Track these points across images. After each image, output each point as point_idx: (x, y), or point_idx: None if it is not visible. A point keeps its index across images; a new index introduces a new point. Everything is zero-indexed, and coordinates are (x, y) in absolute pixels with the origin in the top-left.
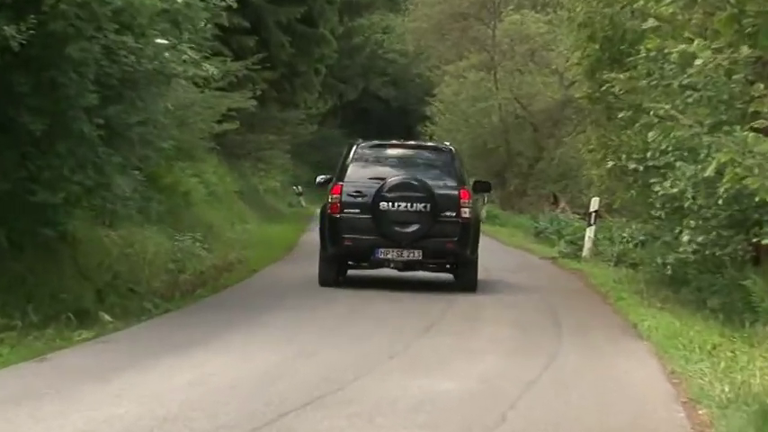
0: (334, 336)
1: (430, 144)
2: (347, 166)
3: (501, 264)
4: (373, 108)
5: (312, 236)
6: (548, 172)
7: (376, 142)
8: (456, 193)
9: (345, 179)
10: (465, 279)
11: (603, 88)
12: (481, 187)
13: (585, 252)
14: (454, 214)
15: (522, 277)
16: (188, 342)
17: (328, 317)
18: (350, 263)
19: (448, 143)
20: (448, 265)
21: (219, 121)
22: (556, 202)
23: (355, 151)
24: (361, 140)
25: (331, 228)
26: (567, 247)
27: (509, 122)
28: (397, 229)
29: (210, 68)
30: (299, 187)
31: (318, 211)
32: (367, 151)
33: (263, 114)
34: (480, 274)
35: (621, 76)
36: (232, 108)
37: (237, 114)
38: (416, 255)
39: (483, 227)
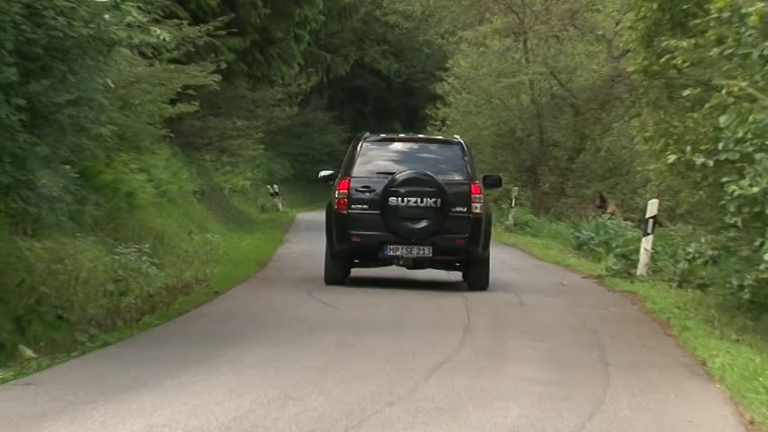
0: (321, 376)
1: (439, 137)
2: (354, 161)
3: (533, 284)
4: (369, 85)
5: (293, 248)
6: (592, 167)
7: (383, 136)
8: (467, 187)
9: (353, 174)
10: (476, 278)
11: (663, 59)
12: (491, 182)
13: (641, 269)
14: (465, 209)
15: (559, 301)
16: (132, 384)
17: (313, 351)
18: (357, 261)
19: (458, 136)
20: (458, 263)
21: (173, 102)
22: (603, 205)
23: (362, 145)
24: (367, 134)
25: (338, 224)
26: (618, 263)
27: (543, 104)
28: (406, 224)
29: (162, 34)
30: (276, 186)
31: (307, 213)
32: (374, 145)
33: (228, 93)
34: (508, 297)
35: (685, 43)
36: (189, 85)
37: (196, 93)
38: (426, 251)
39: (510, 237)
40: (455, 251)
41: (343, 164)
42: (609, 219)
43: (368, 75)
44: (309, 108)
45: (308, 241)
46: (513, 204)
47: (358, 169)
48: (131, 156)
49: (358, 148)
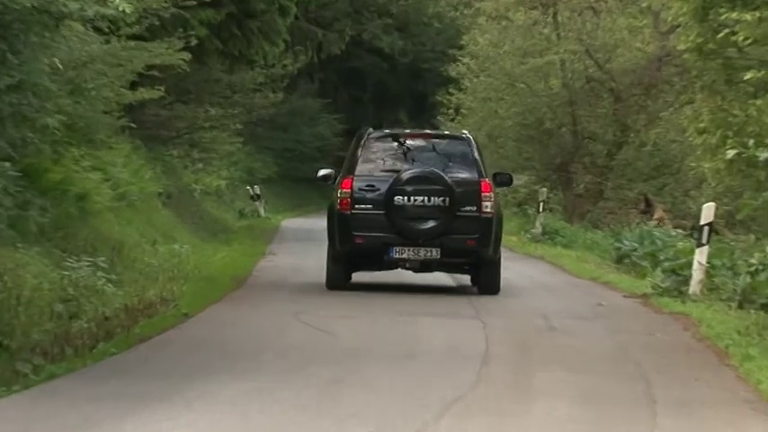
0: (309, 417)
1: (446, 133)
2: (357, 158)
3: (565, 305)
4: (368, 67)
5: (277, 262)
6: (636, 164)
7: (388, 131)
8: (476, 185)
9: (356, 172)
10: (486, 281)
11: (721, 36)
12: (501, 180)
13: (694, 287)
14: (475, 209)
15: (596, 325)
16: (84, 425)
17: (302, 385)
18: (360, 263)
19: (466, 131)
20: (467, 266)
21: (134, 86)
22: (648, 209)
23: (365, 141)
24: (371, 129)
25: (341, 225)
26: (667, 280)
27: (577, 89)
28: (413, 225)
29: (121, 4)
30: (257, 188)
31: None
32: (378, 141)
33: (200, 76)
34: (534, 321)
35: (749, 16)
36: (153, 66)
37: (162, 76)
38: (434, 253)
39: (537, 249)
40: (465, 253)
41: (345, 161)
42: (656, 226)
43: (367, 54)
44: (297, 94)
45: (295, 253)
46: (541, 209)
47: (361, 167)
48: (84, 151)
49: (361, 144)
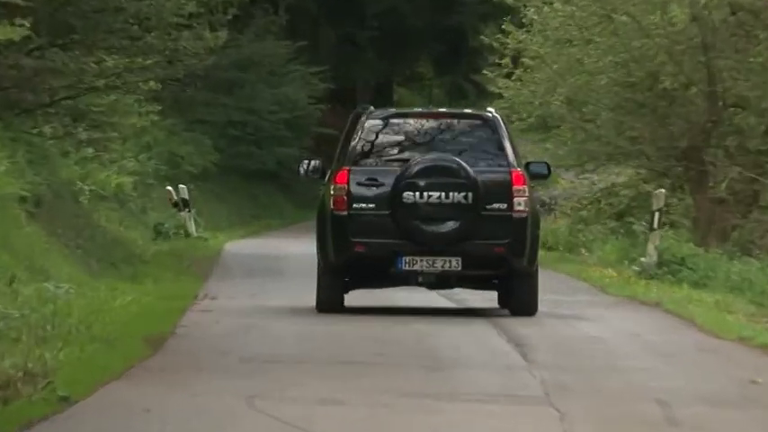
0: None
1: (468, 111)
2: (354, 145)
3: (695, 384)
4: None
5: (219, 311)
6: None
7: (393, 111)
8: (506, 177)
9: (354, 163)
10: (521, 300)
11: None
12: (535, 172)
13: None
14: (505, 206)
15: (746, 418)
16: None
17: None
18: (357, 278)
19: (492, 109)
20: (495, 280)
21: None
22: None
23: (364, 124)
24: (371, 108)
25: (335, 230)
26: None
27: (716, 23)
28: (426, 228)
29: None
30: (184, 189)
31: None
32: (380, 123)
33: (89, 4)
34: (644, 408)
35: None
36: None
37: (26, 3)
38: (454, 264)
39: (649, 290)
40: (492, 263)
41: (339, 149)
42: None
43: None
44: (251, 33)
45: (247, 297)
46: (656, 224)
47: (360, 156)
48: None
49: (358, 127)
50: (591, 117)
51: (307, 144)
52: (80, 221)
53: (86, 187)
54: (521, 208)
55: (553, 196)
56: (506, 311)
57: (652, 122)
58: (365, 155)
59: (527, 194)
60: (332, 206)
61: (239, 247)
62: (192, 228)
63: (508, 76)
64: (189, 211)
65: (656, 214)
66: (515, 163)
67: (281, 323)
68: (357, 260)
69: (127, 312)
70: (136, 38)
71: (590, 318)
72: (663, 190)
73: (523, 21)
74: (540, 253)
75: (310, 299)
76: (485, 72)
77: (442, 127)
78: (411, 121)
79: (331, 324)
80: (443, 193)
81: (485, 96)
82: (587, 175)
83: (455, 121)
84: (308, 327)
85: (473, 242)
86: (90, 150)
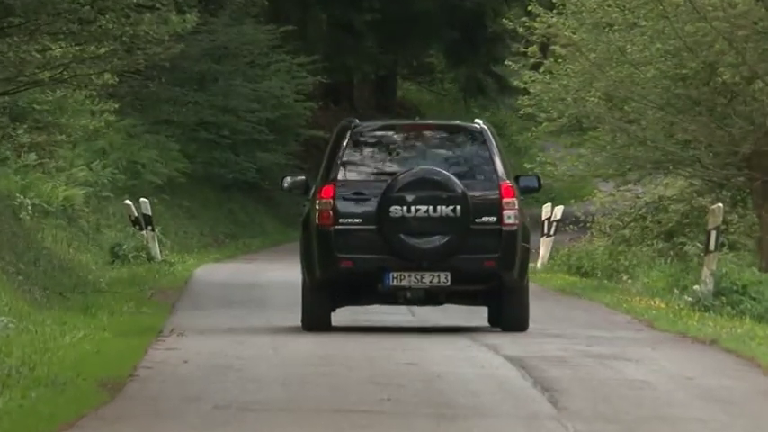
0: None
1: (455, 123)
2: (340, 158)
3: None
4: None
5: (186, 349)
6: None
7: (380, 123)
8: (495, 190)
9: (339, 176)
10: (511, 315)
11: None
12: (525, 185)
13: None
14: (494, 219)
15: None
16: None
17: None
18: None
19: (480, 121)
20: (484, 296)
21: None
22: None
23: (350, 137)
24: (355, 121)
25: (321, 245)
26: None
27: None
28: (414, 243)
29: None
30: (146, 203)
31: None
32: (366, 136)
33: None
34: None
35: None
36: None
37: None
38: (443, 279)
39: (703, 324)
40: (482, 277)
41: (324, 162)
42: None
43: None
44: (226, 16)
45: (223, 331)
46: (713, 245)
47: (346, 170)
48: None
49: (344, 140)
50: (635, 117)
51: (293, 149)
52: (21, 242)
53: (28, 201)
54: (510, 221)
55: (589, 212)
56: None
57: (708, 123)
58: (351, 169)
59: (517, 207)
60: (317, 221)
61: (212, 272)
62: (155, 250)
63: (535, 67)
64: (152, 230)
65: (713, 233)
66: (504, 176)
67: (263, 363)
68: (343, 276)
69: (78, 351)
70: (87, 21)
71: (633, 358)
72: (721, 205)
73: (554, 1)
74: (574, 280)
75: (298, 335)
76: (507, 63)
77: (429, 140)
78: (398, 133)
79: (323, 364)
80: (431, 207)
81: (507, 92)
82: (630, 187)
83: (443, 133)
84: (295, 368)
85: (462, 256)
86: (33, 157)
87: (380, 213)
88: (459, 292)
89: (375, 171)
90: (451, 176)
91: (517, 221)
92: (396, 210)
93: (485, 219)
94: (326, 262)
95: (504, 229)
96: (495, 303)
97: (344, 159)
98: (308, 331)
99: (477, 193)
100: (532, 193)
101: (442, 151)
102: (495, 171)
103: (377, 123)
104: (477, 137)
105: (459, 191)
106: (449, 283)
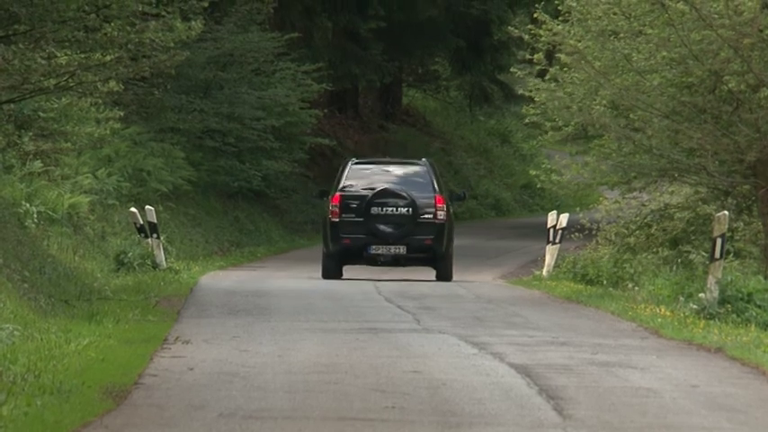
0: None
1: (409, 161)
2: (343, 181)
3: None
4: None
5: (193, 357)
6: None
7: (366, 159)
8: (432, 199)
9: (342, 190)
10: (442, 271)
11: None
12: (454, 198)
13: None
14: (431, 216)
15: None
16: None
17: None
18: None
19: (425, 159)
20: (426, 260)
21: None
22: None
23: (350, 168)
24: (354, 159)
25: (332, 230)
26: None
27: None
28: (385, 229)
29: None
30: (151, 211)
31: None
32: (359, 167)
33: None
34: None
35: None
36: None
37: None
38: (401, 250)
39: (708, 332)
40: (424, 249)
41: (335, 182)
42: None
43: None
44: (231, 23)
45: (228, 339)
46: (718, 253)
47: (347, 187)
48: None
49: (346, 170)
50: (640, 125)
51: (299, 157)
52: (26, 250)
53: (34, 209)
54: (441, 217)
55: (594, 220)
56: (528, 357)
57: (714, 131)
58: (349, 185)
59: (445, 209)
60: (330, 216)
61: (217, 280)
62: (160, 257)
63: (541, 75)
64: (157, 238)
65: (718, 241)
66: (438, 190)
67: (268, 371)
68: (345, 248)
69: (83, 358)
70: (93, 29)
71: (638, 365)
72: (726, 212)
73: (560, 8)
74: (580, 287)
75: (303, 344)
76: (512, 70)
77: (395, 168)
78: (376, 165)
79: (328, 372)
80: (395, 208)
81: (512, 99)
82: (635, 195)
83: (402, 165)
84: (300, 376)
85: (413, 237)
86: (38, 164)
87: (365, 211)
88: (412, 258)
89: (363, 187)
90: (406, 191)
91: (445, 217)
92: (374, 209)
93: (425, 216)
94: (335, 240)
95: (437, 221)
96: (433, 264)
97: (346, 183)
98: (325, 279)
99: (421, 201)
100: (460, 201)
101: (403, 176)
102: (433, 188)
103: (365, 159)
104: (422, 167)
105: (411, 199)
106: (405, 253)
